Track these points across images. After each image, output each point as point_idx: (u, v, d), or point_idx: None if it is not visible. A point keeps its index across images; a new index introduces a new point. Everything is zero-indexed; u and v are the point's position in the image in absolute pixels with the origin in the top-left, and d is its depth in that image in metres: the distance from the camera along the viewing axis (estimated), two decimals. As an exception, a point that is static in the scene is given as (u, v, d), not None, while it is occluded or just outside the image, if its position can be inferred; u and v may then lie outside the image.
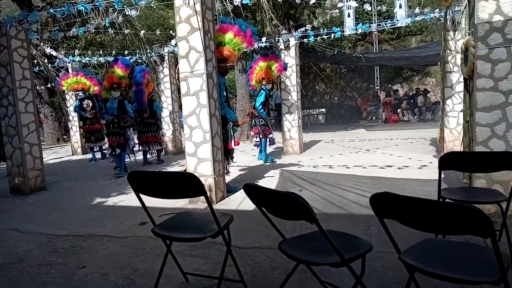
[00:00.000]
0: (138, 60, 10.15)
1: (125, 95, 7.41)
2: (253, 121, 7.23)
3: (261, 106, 7.01)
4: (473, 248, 1.82)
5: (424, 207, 1.46)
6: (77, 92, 9.07)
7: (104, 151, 9.24)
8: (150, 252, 3.13)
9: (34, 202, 5.26)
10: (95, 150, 9.15)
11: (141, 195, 2.21)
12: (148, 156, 7.98)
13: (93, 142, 8.85)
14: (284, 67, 7.18)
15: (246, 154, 8.68)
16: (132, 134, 6.98)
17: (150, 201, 2.28)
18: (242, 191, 2.01)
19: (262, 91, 7.10)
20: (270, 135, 7.24)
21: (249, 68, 7.34)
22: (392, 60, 14.59)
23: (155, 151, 7.99)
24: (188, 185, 2.04)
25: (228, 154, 5.11)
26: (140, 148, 7.83)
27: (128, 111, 6.89)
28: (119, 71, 6.75)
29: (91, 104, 8.66)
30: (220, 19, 5.00)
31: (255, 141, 7.40)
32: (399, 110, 15.80)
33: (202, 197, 2.03)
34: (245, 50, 10.39)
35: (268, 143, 7.30)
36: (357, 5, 9.15)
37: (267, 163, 7.18)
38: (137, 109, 7.53)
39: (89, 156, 9.49)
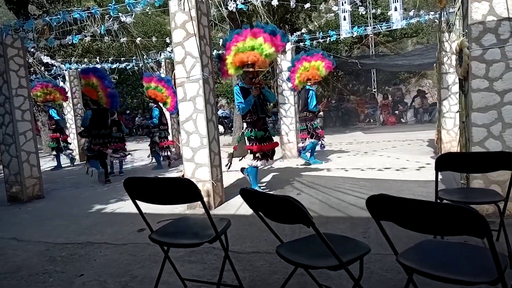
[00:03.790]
0: (135, 67, 10.18)
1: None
2: (303, 125, 7.16)
3: (315, 106, 7.01)
4: (471, 248, 1.82)
5: (420, 208, 1.46)
6: (45, 103, 9.15)
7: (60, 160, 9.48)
8: (148, 258, 3.11)
9: (32, 211, 5.24)
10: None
11: (138, 201, 2.21)
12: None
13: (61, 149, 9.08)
14: (333, 64, 6.94)
15: (244, 159, 8.65)
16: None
17: (149, 207, 2.27)
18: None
19: (311, 91, 6.95)
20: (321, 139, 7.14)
21: (291, 67, 7.13)
22: (388, 66, 14.67)
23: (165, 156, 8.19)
24: (184, 190, 2.03)
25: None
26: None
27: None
28: (95, 81, 6.87)
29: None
30: (256, 24, 4.90)
31: (301, 147, 7.24)
32: (397, 111, 15.83)
33: (200, 202, 2.03)
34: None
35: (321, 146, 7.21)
36: (351, 9, 9.19)
37: (306, 162, 7.09)
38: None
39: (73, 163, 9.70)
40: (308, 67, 6.79)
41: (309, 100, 6.95)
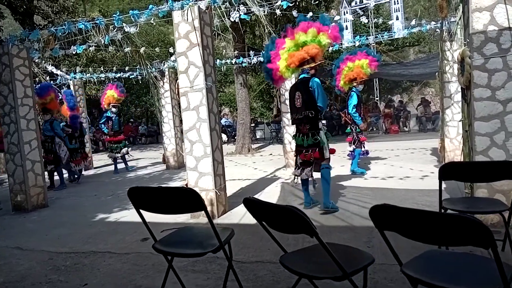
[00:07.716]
0: (139, 77, 10.26)
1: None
2: (348, 128, 6.90)
3: (354, 110, 6.55)
4: (476, 259, 1.81)
5: (423, 219, 1.46)
6: None
7: None
8: (152, 268, 3.11)
9: (36, 219, 5.25)
10: None
11: (142, 210, 2.22)
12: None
13: None
14: (377, 60, 6.60)
15: (247, 167, 8.67)
16: (64, 152, 7.65)
17: (152, 217, 2.27)
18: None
19: (352, 92, 6.61)
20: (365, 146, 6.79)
21: (336, 68, 6.81)
22: (390, 76, 14.70)
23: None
24: (188, 200, 2.04)
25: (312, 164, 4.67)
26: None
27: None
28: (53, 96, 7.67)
29: None
30: (298, 18, 4.62)
31: (349, 151, 6.93)
32: (401, 120, 15.82)
33: (204, 212, 2.04)
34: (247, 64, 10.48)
35: (362, 154, 6.81)
36: (353, 18, 9.25)
37: (357, 174, 6.60)
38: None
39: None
40: (352, 66, 6.46)
41: (348, 102, 6.66)
